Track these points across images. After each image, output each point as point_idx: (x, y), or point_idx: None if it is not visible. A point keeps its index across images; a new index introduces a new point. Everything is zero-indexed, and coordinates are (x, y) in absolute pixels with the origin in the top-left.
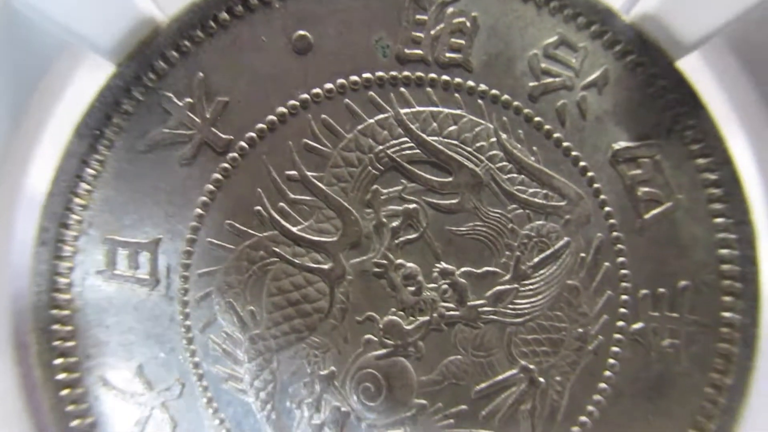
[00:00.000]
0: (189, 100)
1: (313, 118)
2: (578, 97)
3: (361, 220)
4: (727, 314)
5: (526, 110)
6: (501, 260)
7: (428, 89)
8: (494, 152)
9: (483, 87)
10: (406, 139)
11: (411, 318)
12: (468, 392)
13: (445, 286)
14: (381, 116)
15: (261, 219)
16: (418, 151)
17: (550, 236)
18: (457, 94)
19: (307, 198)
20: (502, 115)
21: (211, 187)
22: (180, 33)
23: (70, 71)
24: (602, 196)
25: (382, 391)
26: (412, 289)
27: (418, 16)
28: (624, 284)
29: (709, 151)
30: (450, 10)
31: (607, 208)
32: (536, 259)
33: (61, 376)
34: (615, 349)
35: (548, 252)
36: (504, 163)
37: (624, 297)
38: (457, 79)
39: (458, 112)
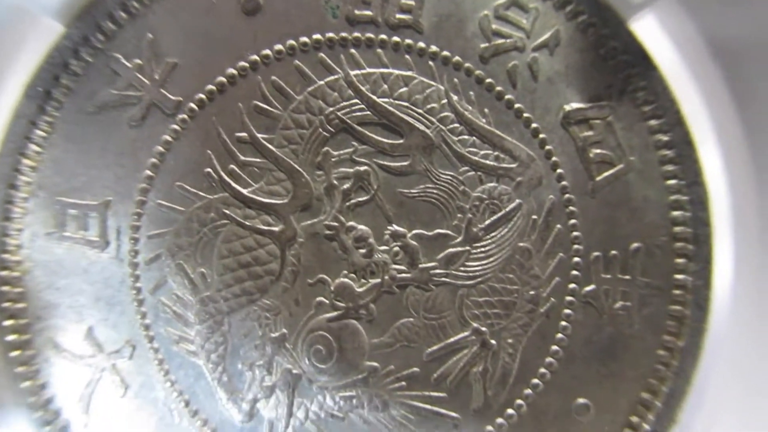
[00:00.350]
0: (138, 61)
1: (263, 79)
2: (529, 58)
3: (312, 183)
4: (679, 276)
5: (477, 72)
6: (452, 222)
7: (378, 51)
8: (445, 114)
9: (434, 48)
10: (356, 100)
11: (362, 280)
12: (420, 355)
13: (397, 249)
14: (331, 78)
15: (211, 181)
16: (368, 113)
17: (501, 198)
18: (407, 56)
19: (258, 160)
20: (452, 76)
21: (160, 149)
22: None
23: (18, 33)
24: (554, 158)
25: (334, 354)
26: (364, 251)
27: None
28: (576, 246)
29: (661, 112)
30: None
31: (558, 170)
32: (488, 222)
33: (11, 337)
34: (567, 311)
35: (500, 214)
36: (455, 125)
37: (576, 259)
38: (408, 41)
39: (409, 73)
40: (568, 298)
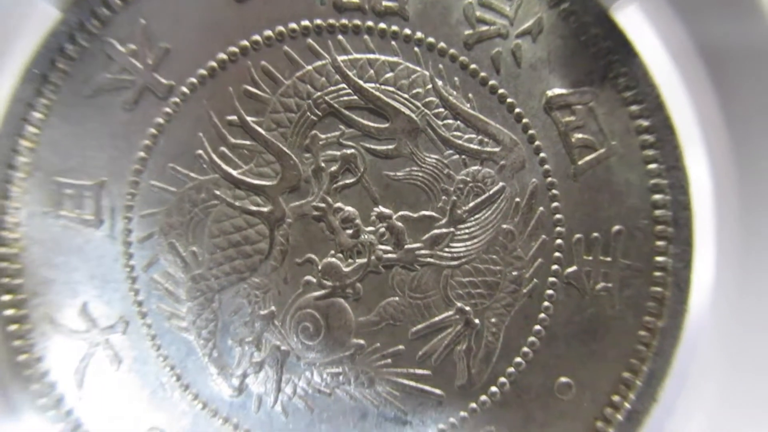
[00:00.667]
0: (131, 46)
1: (252, 64)
2: (513, 45)
3: (300, 165)
4: (660, 258)
5: (461, 58)
6: (437, 205)
7: (365, 37)
8: (430, 99)
9: (419, 35)
10: (343, 85)
11: (349, 260)
12: (405, 333)
13: (383, 230)
14: (319, 63)
15: (202, 163)
16: (355, 97)
17: (485, 181)
18: (393, 42)
19: (247, 143)
20: (437, 62)
21: (153, 131)
22: None
23: (16, 18)
24: (537, 143)
25: (321, 331)
26: (350, 232)
27: None
28: (558, 229)
29: (641, 97)
30: None
31: (541, 154)
32: (472, 204)
33: (9, 312)
34: (549, 292)
35: (483, 197)
36: (440, 110)
37: (558, 241)
38: (394, 27)
39: (395, 59)
40: (551, 279)
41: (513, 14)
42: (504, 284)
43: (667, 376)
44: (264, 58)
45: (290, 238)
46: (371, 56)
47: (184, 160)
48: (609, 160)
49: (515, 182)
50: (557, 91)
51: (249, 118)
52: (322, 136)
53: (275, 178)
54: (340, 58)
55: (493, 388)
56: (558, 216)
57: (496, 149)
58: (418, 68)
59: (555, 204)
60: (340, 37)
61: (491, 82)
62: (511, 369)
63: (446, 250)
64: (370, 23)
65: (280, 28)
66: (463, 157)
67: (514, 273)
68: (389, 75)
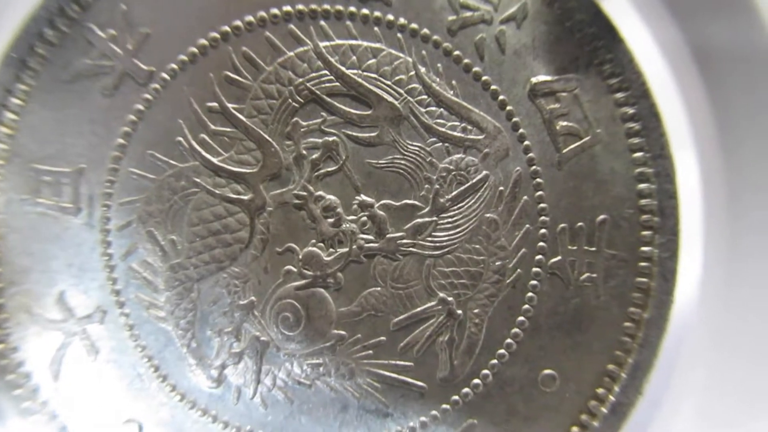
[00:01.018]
0: (111, 31)
1: (233, 50)
2: (497, 31)
3: (281, 152)
4: (645, 248)
5: (444, 44)
6: (420, 193)
7: (347, 23)
8: (413, 86)
9: (402, 21)
10: (325, 72)
11: (330, 249)
12: (387, 324)
13: (365, 218)
14: (301, 49)
15: (182, 150)
16: (337, 84)
17: (468, 170)
18: (376, 28)
19: (228, 129)
20: (421, 48)
21: (132, 117)
22: None
23: None
24: (521, 130)
25: (302, 322)
26: (332, 220)
27: None
28: (542, 218)
29: (627, 85)
30: None
31: (525, 142)
32: (455, 193)
33: None
34: (533, 282)
35: (467, 185)
36: (423, 97)
37: (542, 231)
38: (377, 13)
39: (377, 45)
40: (535, 269)
41: (497, 0)
42: (487, 274)
43: (653, 368)
44: (245, 44)
45: (271, 227)
46: (353, 42)
47: (163, 147)
48: (594, 149)
49: (499, 171)
50: (542, 78)
51: (230, 105)
52: (304, 123)
53: (256, 165)
54: (322, 44)
55: (476, 380)
56: (542, 205)
57: (480, 137)
58: (401, 55)
59: (539, 193)
60: (322, 22)
61: (475, 68)
62: (495, 361)
63: (429, 239)
64: (352, 9)
65: (262, 13)
66: (447, 144)
67: (498, 263)
68: (372, 61)
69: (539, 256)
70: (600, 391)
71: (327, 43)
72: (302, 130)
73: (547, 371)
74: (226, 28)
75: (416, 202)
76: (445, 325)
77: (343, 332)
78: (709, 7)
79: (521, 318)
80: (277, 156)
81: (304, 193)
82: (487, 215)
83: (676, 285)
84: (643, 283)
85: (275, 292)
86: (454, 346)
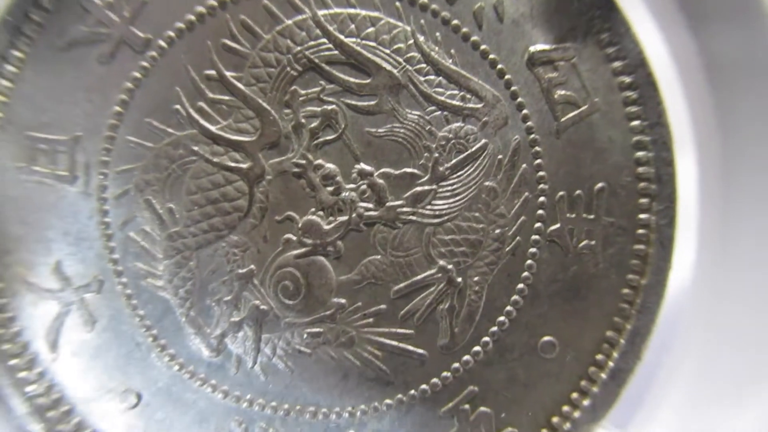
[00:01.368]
0: None
1: (231, 18)
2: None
3: (280, 121)
4: (643, 216)
5: (443, 13)
6: (419, 162)
7: None
8: (412, 54)
9: None
10: (324, 40)
11: (330, 218)
12: (387, 292)
13: (364, 187)
14: (299, 17)
15: (180, 118)
16: (336, 52)
17: (467, 138)
18: None
19: (226, 98)
20: (419, 17)
21: (129, 85)
22: None
23: None
24: (519, 99)
25: (301, 290)
26: (331, 189)
27: None
28: (541, 186)
29: (624, 53)
30: None
31: (524, 111)
32: (454, 161)
33: None
34: (532, 250)
35: (466, 153)
36: (422, 65)
37: (541, 199)
38: None
39: (376, 14)
40: (534, 236)
41: None
42: (487, 242)
43: (651, 334)
44: (243, 12)
45: (270, 196)
46: (352, 11)
47: (161, 115)
48: (592, 117)
49: (498, 139)
50: (540, 46)
51: (228, 73)
52: (303, 92)
53: (254, 133)
54: (320, 13)
55: (476, 348)
56: (541, 173)
57: (479, 105)
58: (399, 23)
59: (538, 161)
60: None
61: (473, 37)
62: (494, 328)
63: (428, 207)
64: None
65: None
66: (445, 113)
67: (497, 231)
68: (370, 30)
69: (538, 224)
70: (599, 357)
71: (325, 12)
72: (301, 98)
73: (547, 338)
74: None
75: (416, 171)
76: (445, 293)
77: (343, 300)
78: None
79: (521, 285)
80: (275, 124)
81: (303, 162)
82: (487, 183)
83: (674, 251)
84: (641, 250)
85: (275, 261)
86: (455, 313)
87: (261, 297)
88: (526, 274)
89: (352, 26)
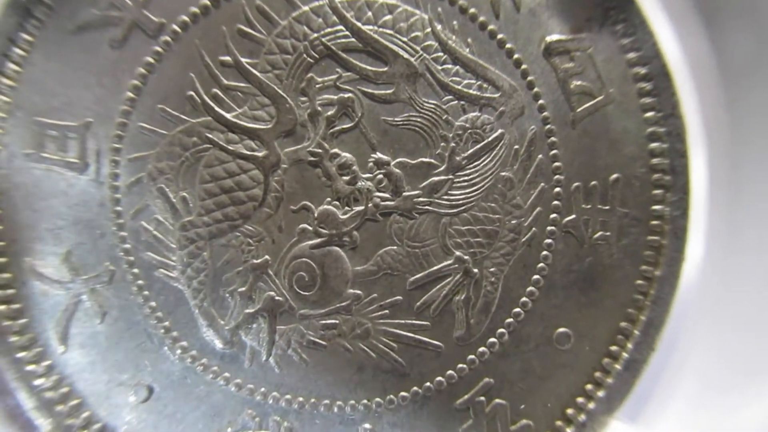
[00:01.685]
0: None
1: (246, 3)
2: None
3: (296, 108)
4: (657, 207)
5: (460, 1)
6: (436, 151)
7: None
8: (429, 43)
9: None
10: (341, 27)
11: (346, 208)
12: (403, 283)
13: (381, 176)
14: (315, 3)
15: (194, 104)
16: (353, 40)
17: (484, 128)
18: None
19: (241, 84)
20: (436, 5)
21: (142, 70)
22: None
23: None
24: (536, 89)
25: (317, 281)
26: (347, 178)
27: None
28: (557, 177)
29: (639, 45)
30: None
31: (540, 101)
32: (470, 151)
33: None
34: (548, 241)
35: (482, 143)
36: (439, 54)
37: (557, 189)
38: None
39: (393, 1)
40: (549, 227)
41: None
42: (503, 233)
43: (665, 325)
44: None
45: (285, 185)
46: None
47: (174, 102)
48: (607, 108)
49: (514, 129)
50: (556, 36)
51: (243, 59)
52: (319, 79)
53: (270, 121)
54: None
55: (492, 339)
56: (557, 164)
57: (495, 95)
58: (416, 11)
59: (554, 151)
60: None
61: (490, 26)
62: (510, 319)
63: (445, 197)
64: None
65: None
66: (462, 102)
67: (513, 221)
68: (388, 17)
69: (554, 215)
70: (613, 348)
71: None
72: (317, 86)
73: (562, 329)
74: None
75: (432, 160)
76: (461, 283)
77: (359, 291)
78: None
79: (536, 276)
80: (291, 112)
81: (319, 150)
82: (503, 174)
83: (687, 242)
84: (655, 241)
85: (290, 251)
86: (470, 305)
87: (276, 288)
88: (541, 265)
89: (369, 13)
